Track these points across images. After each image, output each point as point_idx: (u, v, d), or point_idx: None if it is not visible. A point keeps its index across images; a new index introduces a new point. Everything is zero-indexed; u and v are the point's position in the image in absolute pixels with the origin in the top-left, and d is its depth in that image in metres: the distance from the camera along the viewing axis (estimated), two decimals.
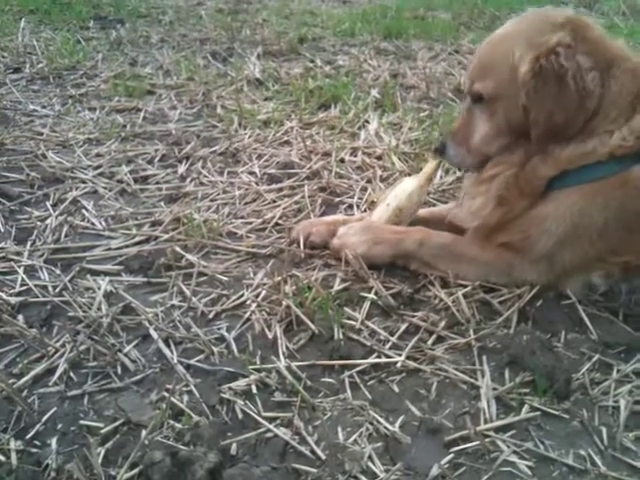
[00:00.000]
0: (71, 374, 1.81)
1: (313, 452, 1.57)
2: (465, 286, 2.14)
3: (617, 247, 2.01)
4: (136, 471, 1.49)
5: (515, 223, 2.08)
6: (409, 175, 2.81)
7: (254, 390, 1.76)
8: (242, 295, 2.14)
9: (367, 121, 3.63)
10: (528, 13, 2.11)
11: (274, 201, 2.77)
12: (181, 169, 3.06)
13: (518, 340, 1.89)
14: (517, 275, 2.12)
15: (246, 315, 2.05)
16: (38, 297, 2.13)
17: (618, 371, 1.84)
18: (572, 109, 1.86)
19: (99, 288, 2.15)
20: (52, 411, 1.69)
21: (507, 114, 2.00)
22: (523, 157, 2.03)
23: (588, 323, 2.01)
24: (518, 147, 2.04)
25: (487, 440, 1.61)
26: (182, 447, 1.55)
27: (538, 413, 1.69)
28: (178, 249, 2.36)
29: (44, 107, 3.84)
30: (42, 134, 3.42)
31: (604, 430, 1.65)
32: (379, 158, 3.17)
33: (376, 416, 1.68)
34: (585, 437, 1.64)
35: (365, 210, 2.62)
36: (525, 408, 1.71)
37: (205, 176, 3.00)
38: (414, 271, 2.23)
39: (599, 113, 1.90)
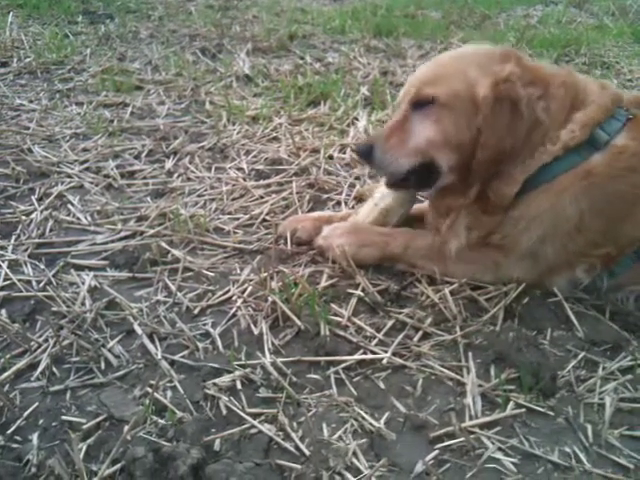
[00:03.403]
0: (54, 369, 1.80)
1: (297, 448, 1.56)
2: (452, 283, 2.14)
3: (597, 239, 2.02)
4: (118, 467, 1.48)
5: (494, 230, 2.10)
6: None
7: (239, 386, 1.75)
8: (228, 291, 2.13)
9: (356, 118, 3.62)
10: (467, 46, 2.22)
11: (262, 197, 2.76)
12: (168, 164, 3.05)
13: (504, 337, 1.89)
14: (503, 273, 2.13)
15: (232, 311, 2.04)
16: (22, 292, 2.11)
17: (604, 368, 1.84)
18: (520, 137, 1.94)
19: (83, 283, 2.13)
20: (34, 406, 1.67)
21: (456, 127, 1.98)
22: (476, 191, 2.06)
23: (574, 321, 2.01)
24: (465, 185, 2.06)
25: (472, 437, 1.60)
26: (165, 443, 1.54)
27: (523, 410, 1.69)
28: (164, 244, 2.34)
29: (31, 101, 3.81)
30: (28, 128, 3.39)
31: (589, 427, 1.65)
32: None
33: (361, 412, 1.67)
34: (570, 434, 1.64)
35: (353, 207, 2.61)
36: (510, 405, 1.71)
37: (192, 172, 2.98)
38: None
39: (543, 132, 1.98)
